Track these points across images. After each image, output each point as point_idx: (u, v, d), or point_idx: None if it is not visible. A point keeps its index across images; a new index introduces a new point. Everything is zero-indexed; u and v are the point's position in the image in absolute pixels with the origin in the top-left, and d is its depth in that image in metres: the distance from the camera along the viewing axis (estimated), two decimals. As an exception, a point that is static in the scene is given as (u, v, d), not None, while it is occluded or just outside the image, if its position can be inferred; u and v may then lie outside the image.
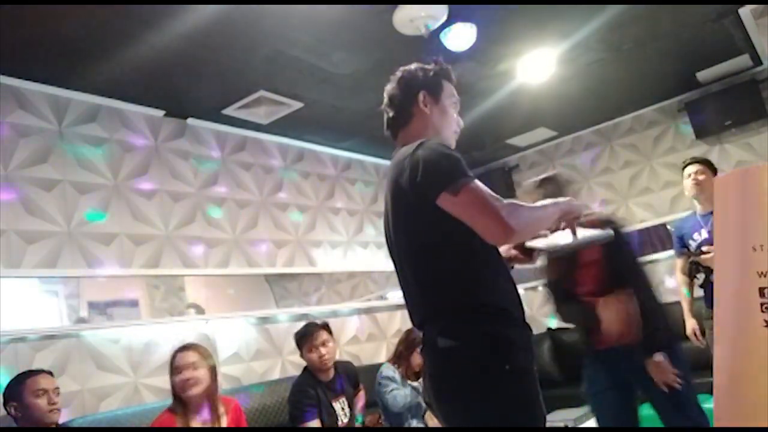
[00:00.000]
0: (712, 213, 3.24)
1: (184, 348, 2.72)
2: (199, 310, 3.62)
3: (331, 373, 3.04)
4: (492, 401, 1.41)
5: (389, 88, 1.73)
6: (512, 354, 1.45)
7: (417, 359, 3.64)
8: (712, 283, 3.35)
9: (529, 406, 1.45)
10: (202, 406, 2.68)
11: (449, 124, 1.71)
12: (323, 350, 2.94)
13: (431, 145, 1.51)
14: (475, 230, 1.40)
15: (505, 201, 1.41)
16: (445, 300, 1.50)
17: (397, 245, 1.59)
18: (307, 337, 2.99)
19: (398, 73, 1.73)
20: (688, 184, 3.43)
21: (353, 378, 3.21)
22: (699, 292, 3.45)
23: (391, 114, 1.71)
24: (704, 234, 3.31)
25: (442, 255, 1.47)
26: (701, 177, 3.32)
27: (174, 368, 2.59)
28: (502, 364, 1.42)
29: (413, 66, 1.72)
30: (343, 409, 3.05)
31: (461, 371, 1.45)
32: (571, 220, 1.59)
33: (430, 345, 1.52)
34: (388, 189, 1.61)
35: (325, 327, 3.04)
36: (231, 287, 3.79)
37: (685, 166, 3.46)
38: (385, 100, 1.73)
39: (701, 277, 3.35)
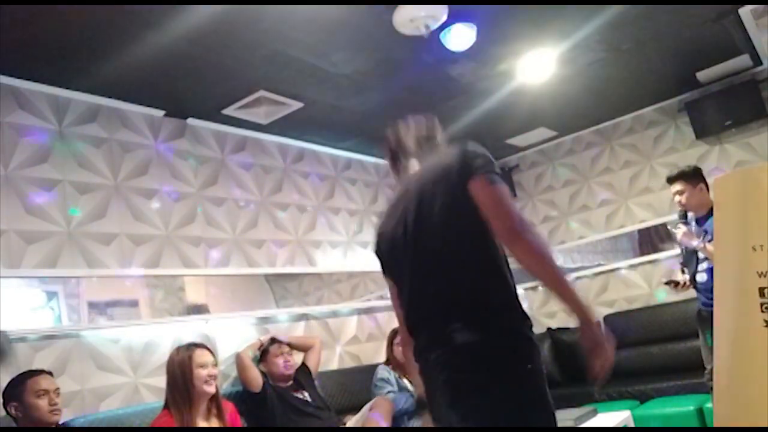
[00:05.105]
0: (704, 217, 3.24)
1: (201, 346, 2.79)
2: (202, 310, 3.60)
3: None
4: (516, 400, 1.45)
5: (413, 132, 1.84)
6: (533, 353, 1.49)
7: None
8: (696, 282, 3.33)
9: (547, 405, 1.50)
10: (208, 406, 2.70)
11: None
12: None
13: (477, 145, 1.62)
14: (491, 220, 1.47)
15: None
16: (473, 294, 1.51)
17: (417, 236, 1.58)
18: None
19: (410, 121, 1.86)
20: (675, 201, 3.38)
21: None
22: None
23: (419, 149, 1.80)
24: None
25: (475, 244, 1.51)
26: (682, 196, 3.27)
27: (197, 364, 2.66)
28: (525, 363, 1.46)
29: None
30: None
31: (485, 368, 1.45)
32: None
33: (444, 342, 1.50)
34: (419, 180, 1.64)
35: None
36: (231, 287, 3.79)
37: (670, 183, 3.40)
38: (411, 143, 1.81)
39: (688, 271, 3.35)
